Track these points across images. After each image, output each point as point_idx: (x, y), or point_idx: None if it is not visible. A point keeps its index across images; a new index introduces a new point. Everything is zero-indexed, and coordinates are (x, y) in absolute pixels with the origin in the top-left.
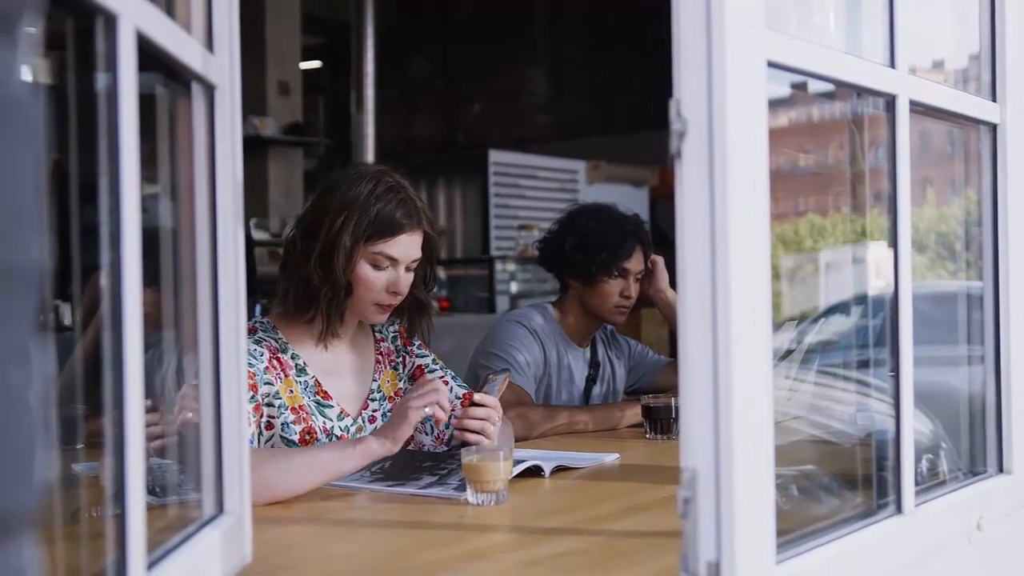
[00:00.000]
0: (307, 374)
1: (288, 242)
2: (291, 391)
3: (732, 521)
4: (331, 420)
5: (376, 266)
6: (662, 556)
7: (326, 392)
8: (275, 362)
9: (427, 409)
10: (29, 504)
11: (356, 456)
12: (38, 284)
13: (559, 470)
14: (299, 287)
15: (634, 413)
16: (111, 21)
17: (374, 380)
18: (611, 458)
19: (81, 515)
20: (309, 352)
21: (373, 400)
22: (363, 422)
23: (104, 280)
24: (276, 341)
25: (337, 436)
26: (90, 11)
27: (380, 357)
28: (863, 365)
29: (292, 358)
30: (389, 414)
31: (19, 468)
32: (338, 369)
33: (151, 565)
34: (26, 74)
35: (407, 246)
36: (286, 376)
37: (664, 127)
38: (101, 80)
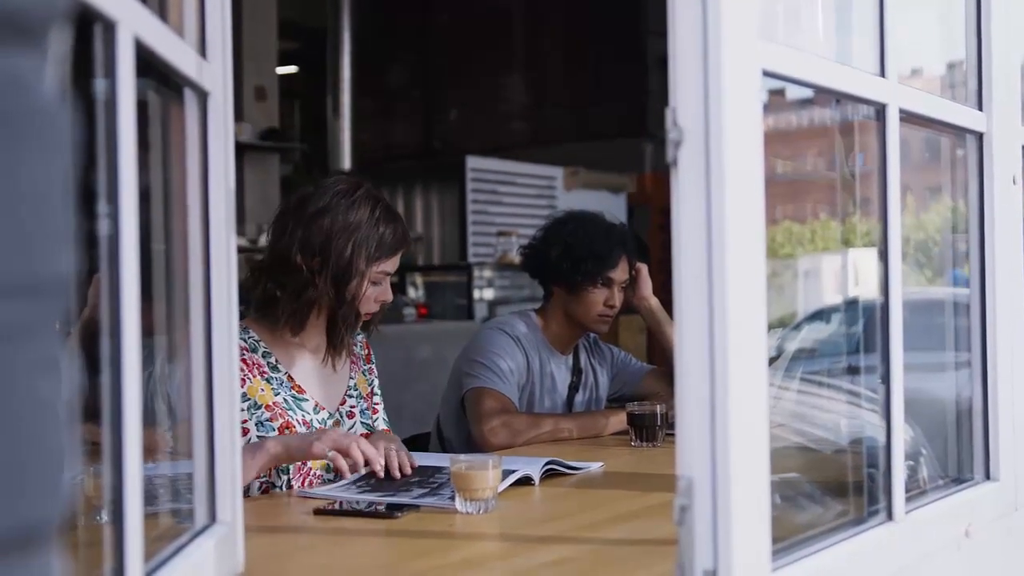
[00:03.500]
0: (280, 371)
1: (279, 258)
2: (262, 390)
3: (729, 529)
4: (308, 413)
5: (375, 283)
6: (655, 564)
7: (300, 387)
8: (241, 363)
9: (330, 454)
10: (58, 514)
11: (257, 460)
12: (65, 295)
13: (549, 475)
14: (306, 307)
15: (618, 420)
16: (110, 28)
17: (351, 378)
18: (596, 466)
19: (76, 523)
20: (284, 351)
21: (351, 396)
22: (341, 416)
23: (102, 287)
24: (245, 340)
25: (316, 428)
26: (89, 17)
27: (354, 358)
28: (847, 372)
29: (263, 356)
30: (366, 411)
31: (49, 478)
32: (314, 368)
33: (147, 575)
34: (55, 83)
35: (398, 260)
36: (254, 376)
37: (642, 135)
38: (98, 86)
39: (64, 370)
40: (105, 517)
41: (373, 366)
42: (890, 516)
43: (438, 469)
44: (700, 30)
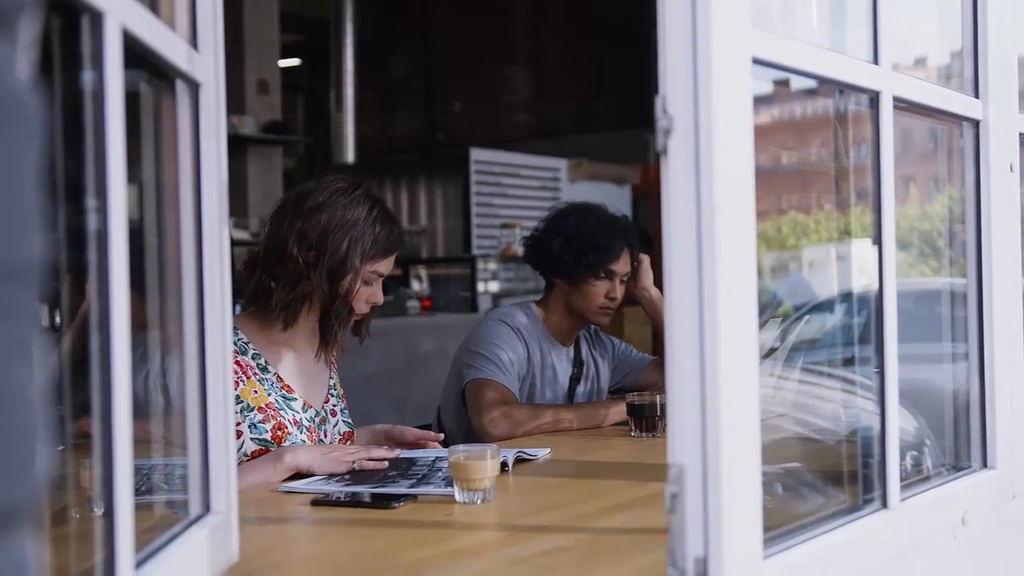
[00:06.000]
0: (269, 372)
1: (275, 250)
2: (255, 391)
3: (720, 516)
4: (297, 412)
5: (366, 282)
6: (649, 552)
7: (288, 386)
8: (235, 366)
9: (355, 465)
10: (31, 499)
11: (279, 472)
12: (39, 281)
13: (549, 464)
14: (299, 300)
15: (618, 411)
16: (97, 18)
17: (331, 378)
18: (543, 452)
19: (68, 515)
20: (272, 351)
21: (332, 395)
22: (326, 414)
23: (91, 281)
24: (235, 343)
25: (306, 427)
26: (76, 8)
27: (334, 358)
28: (847, 362)
29: (253, 358)
30: (344, 411)
31: (22, 464)
32: (298, 367)
33: (139, 564)
34: (25, 71)
35: (392, 263)
36: (248, 378)
37: (645, 125)
38: (86, 77)
39: (39, 355)
40: (99, 509)
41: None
42: (884, 504)
43: (413, 461)
44: (689, 17)
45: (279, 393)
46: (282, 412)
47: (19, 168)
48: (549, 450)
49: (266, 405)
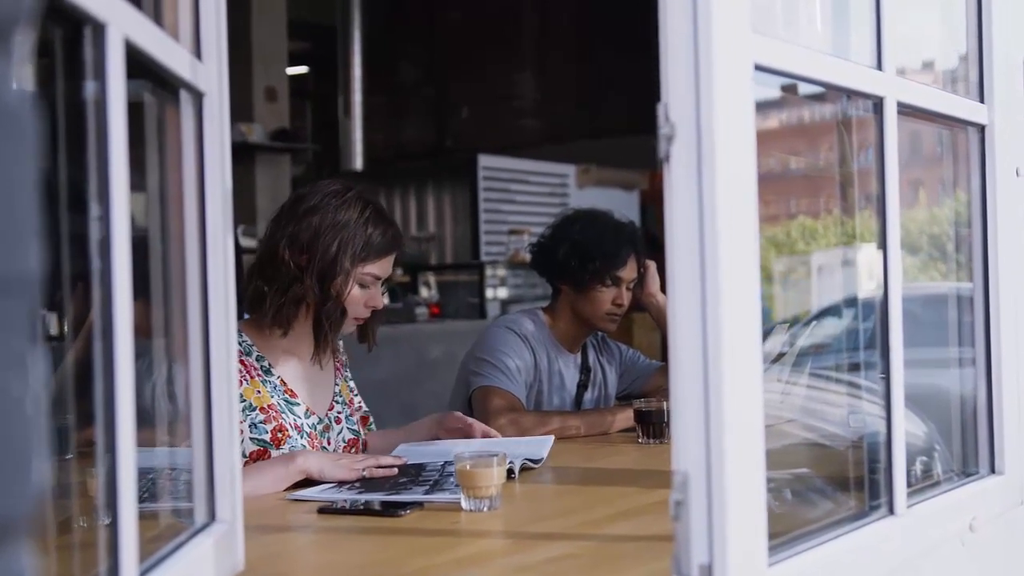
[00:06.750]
0: (273, 375)
1: (268, 255)
2: (258, 392)
3: (724, 524)
4: (299, 417)
5: (362, 285)
6: (655, 560)
7: (292, 391)
8: (239, 366)
9: (365, 473)
10: (27, 510)
11: (291, 473)
12: (35, 292)
13: (525, 469)
14: (292, 304)
15: (625, 417)
16: (99, 29)
17: (336, 385)
18: (547, 441)
19: (75, 524)
20: (275, 355)
21: (337, 403)
22: (330, 421)
23: (94, 290)
24: (240, 344)
25: (307, 433)
26: (78, 19)
27: (339, 366)
28: (855, 368)
29: (257, 360)
30: (350, 417)
31: (17, 475)
32: (303, 374)
33: (143, 573)
34: (21, 83)
35: (390, 265)
36: (252, 378)
37: (653, 131)
38: (89, 88)
39: (36, 366)
40: (107, 518)
41: (348, 372)
42: (891, 510)
43: (422, 467)
44: (691, 23)
45: (282, 396)
46: (283, 415)
47: (15, 180)
48: (552, 437)
49: (268, 406)
